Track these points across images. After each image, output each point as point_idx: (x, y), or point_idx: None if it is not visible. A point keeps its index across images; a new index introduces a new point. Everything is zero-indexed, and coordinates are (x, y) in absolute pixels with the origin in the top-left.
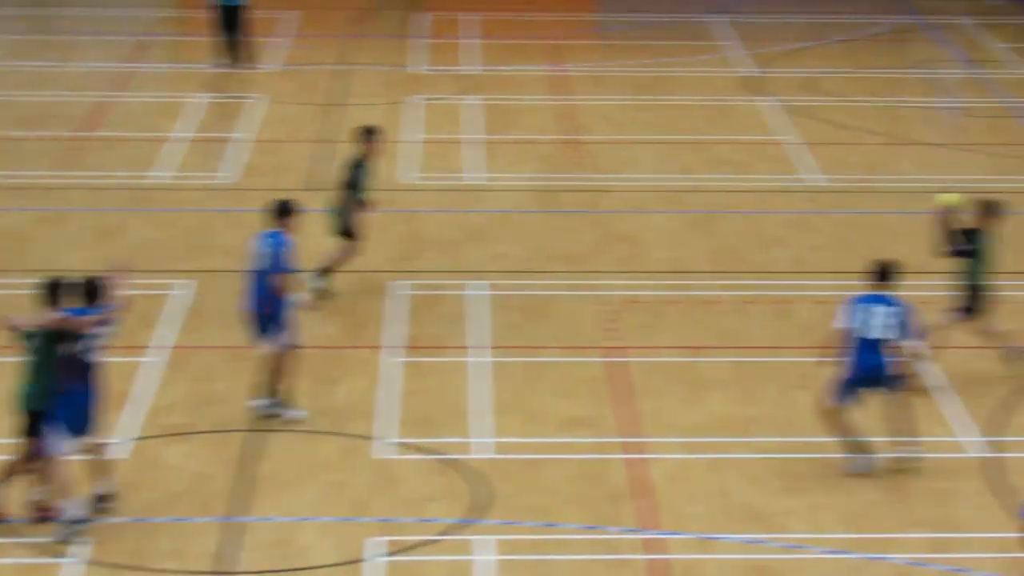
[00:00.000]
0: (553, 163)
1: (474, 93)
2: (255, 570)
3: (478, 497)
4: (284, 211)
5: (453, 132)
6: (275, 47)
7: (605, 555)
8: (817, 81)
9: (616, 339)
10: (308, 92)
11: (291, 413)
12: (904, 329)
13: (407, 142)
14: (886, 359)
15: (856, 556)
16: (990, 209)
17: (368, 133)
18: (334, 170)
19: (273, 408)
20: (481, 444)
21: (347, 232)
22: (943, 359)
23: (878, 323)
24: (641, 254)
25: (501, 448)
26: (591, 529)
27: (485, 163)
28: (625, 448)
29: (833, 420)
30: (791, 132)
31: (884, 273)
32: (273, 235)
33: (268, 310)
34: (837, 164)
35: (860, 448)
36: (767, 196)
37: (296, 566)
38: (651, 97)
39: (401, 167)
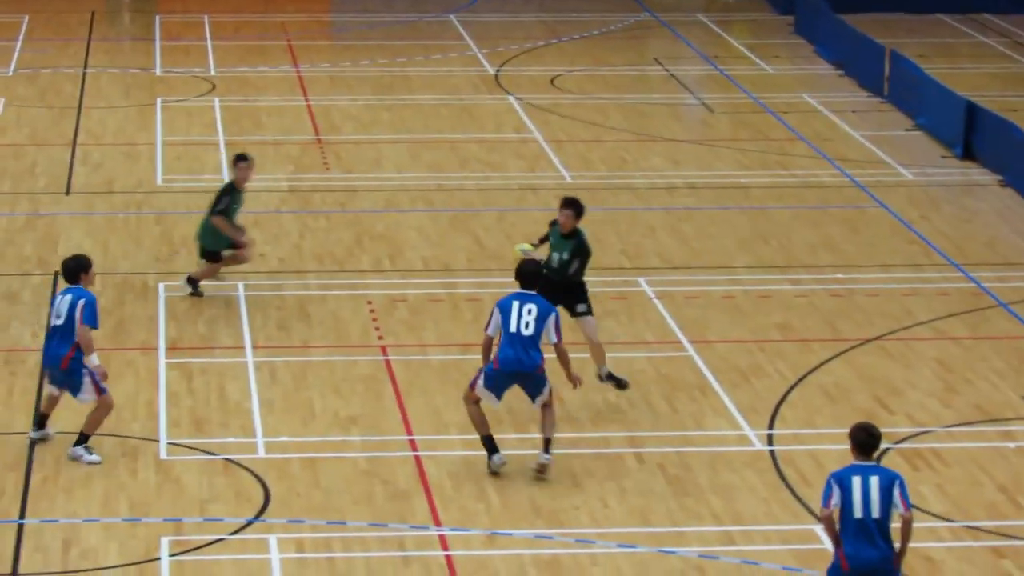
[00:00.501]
0: (301, 164)
1: (215, 95)
2: (41, 571)
3: (261, 496)
4: (79, 267)
5: (197, 134)
6: (3, 51)
7: (395, 552)
8: (557, 79)
9: (384, 338)
10: (46, 95)
11: (89, 457)
12: (544, 330)
13: (151, 144)
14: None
15: (645, 550)
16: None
17: (238, 159)
18: (84, 174)
19: (43, 435)
20: (258, 444)
21: (212, 255)
22: (712, 352)
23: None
24: (399, 253)
25: (278, 448)
26: (377, 526)
27: (227, 165)
28: (404, 446)
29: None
30: (535, 130)
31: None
32: (73, 291)
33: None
34: (582, 162)
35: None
36: (519, 194)
37: (82, 567)
38: (393, 97)
39: (146, 169)
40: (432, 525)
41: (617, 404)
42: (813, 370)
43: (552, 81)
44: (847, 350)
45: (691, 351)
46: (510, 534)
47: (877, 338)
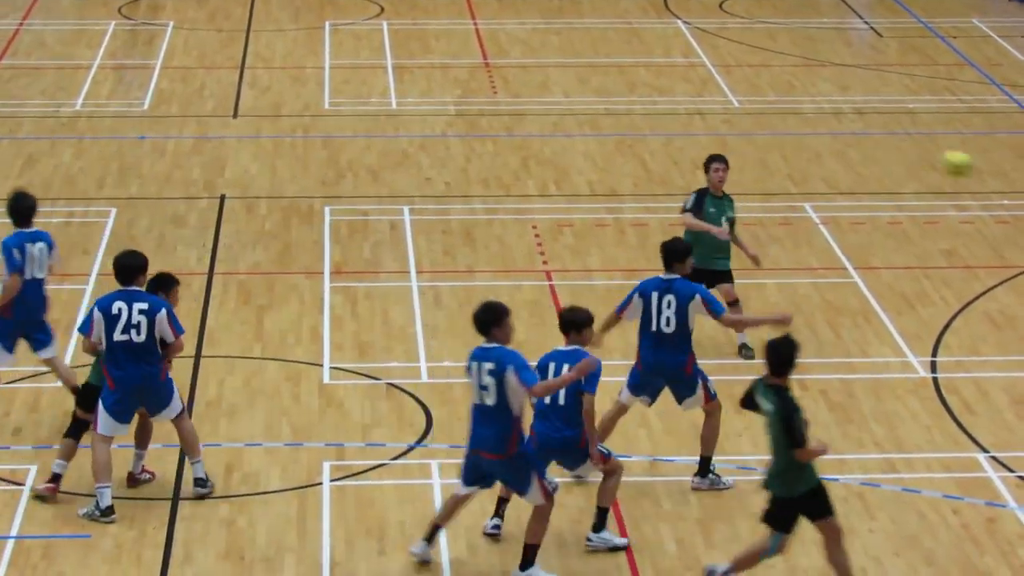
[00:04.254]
0: (468, 88)
1: (383, 17)
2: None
3: (423, 422)
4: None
5: (365, 57)
6: None
7: None
8: (726, 3)
9: (549, 263)
10: (215, 18)
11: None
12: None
13: (318, 68)
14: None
15: None
16: None
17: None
18: (252, 97)
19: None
20: (421, 369)
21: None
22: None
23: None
24: (565, 178)
25: (439, 372)
26: None
27: (396, 88)
28: None
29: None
30: (703, 54)
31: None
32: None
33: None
34: (750, 87)
35: None
36: (686, 118)
37: (243, 491)
38: (562, 20)
39: (313, 92)
40: None
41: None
42: (978, 297)
43: (720, 5)
44: (1013, 277)
45: (856, 277)
46: (672, 460)
47: None
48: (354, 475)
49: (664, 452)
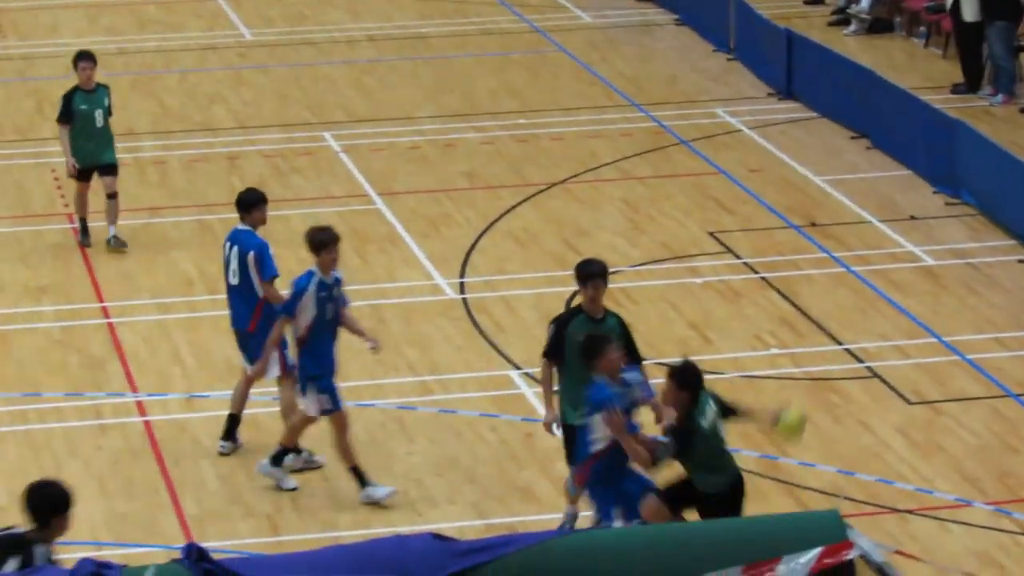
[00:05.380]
0: None
1: None
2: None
3: None
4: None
5: None
6: None
7: (92, 420)
8: None
9: (70, 206)
10: None
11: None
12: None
13: None
14: None
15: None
16: None
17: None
18: None
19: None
20: None
21: None
22: None
23: None
24: None
25: None
26: (75, 396)
27: None
28: (97, 314)
29: None
30: None
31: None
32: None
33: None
34: (262, 19)
35: None
36: (199, 54)
37: None
38: None
39: None
40: (129, 391)
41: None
42: (501, 216)
43: None
44: (534, 195)
45: (380, 204)
46: (207, 396)
47: (563, 181)
48: None
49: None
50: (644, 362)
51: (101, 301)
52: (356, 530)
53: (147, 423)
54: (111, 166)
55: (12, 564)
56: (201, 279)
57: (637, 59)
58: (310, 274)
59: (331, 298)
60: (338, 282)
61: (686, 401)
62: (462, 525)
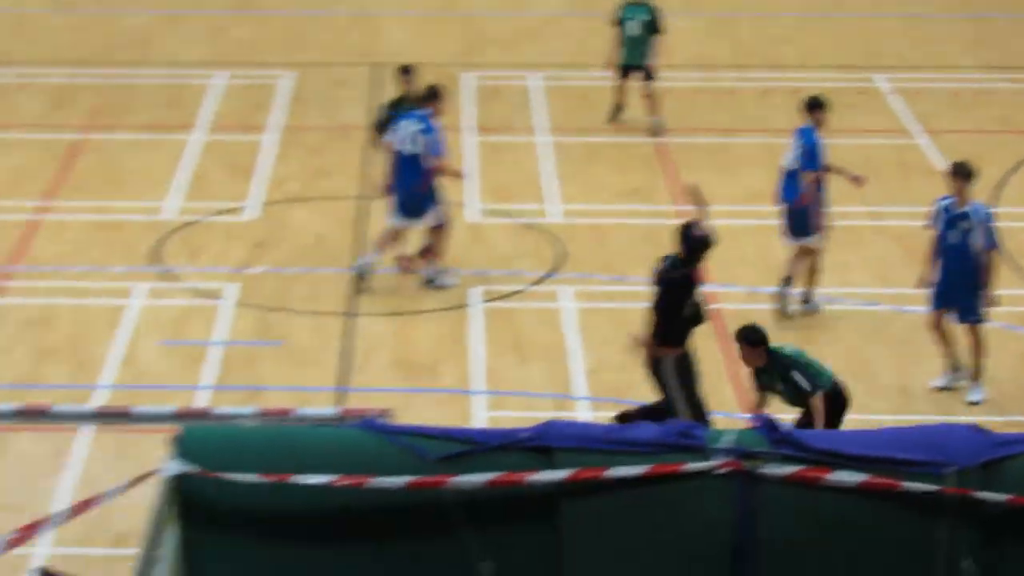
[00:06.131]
0: None
1: None
2: (375, 312)
3: (557, 254)
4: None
5: None
6: None
7: None
8: None
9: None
10: None
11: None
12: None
13: None
14: None
15: (884, 308)
16: None
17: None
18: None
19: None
20: (554, 210)
21: None
22: None
23: None
24: (670, 50)
25: (571, 214)
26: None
27: None
28: (678, 216)
29: None
30: None
31: None
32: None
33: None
34: None
35: None
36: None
37: (407, 309)
38: None
39: None
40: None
41: None
42: None
43: None
44: None
45: (922, 140)
46: (763, 291)
47: None
48: (498, 299)
49: (760, 284)
50: None
51: (676, 204)
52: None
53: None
54: (640, 69)
55: None
56: (766, 194)
57: None
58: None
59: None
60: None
61: None
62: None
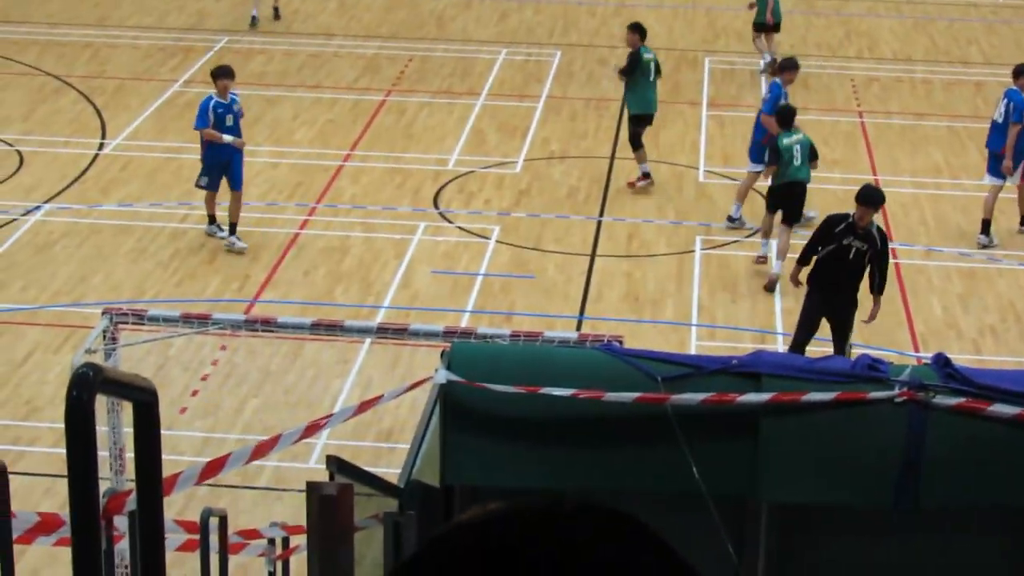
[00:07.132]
0: None
1: None
2: (610, 254)
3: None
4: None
5: None
6: None
7: None
8: None
9: (860, 105)
10: None
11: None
12: None
13: None
14: None
15: None
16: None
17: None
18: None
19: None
20: None
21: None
22: None
23: None
24: (872, 45)
25: None
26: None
27: None
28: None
29: None
30: None
31: None
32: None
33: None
34: None
35: None
36: (965, 8)
37: (640, 254)
38: None
39: None
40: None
41: None
42: None
43: None
44: None
45: None
46: (942, 250)
47: None
48: (717, 247)
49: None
50: None
51: (874, 174)
52: None
53: (897, 265)
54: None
55: None
56: (948, 169)
57: None
58: None
59: None
60: None
61: None
62: None
